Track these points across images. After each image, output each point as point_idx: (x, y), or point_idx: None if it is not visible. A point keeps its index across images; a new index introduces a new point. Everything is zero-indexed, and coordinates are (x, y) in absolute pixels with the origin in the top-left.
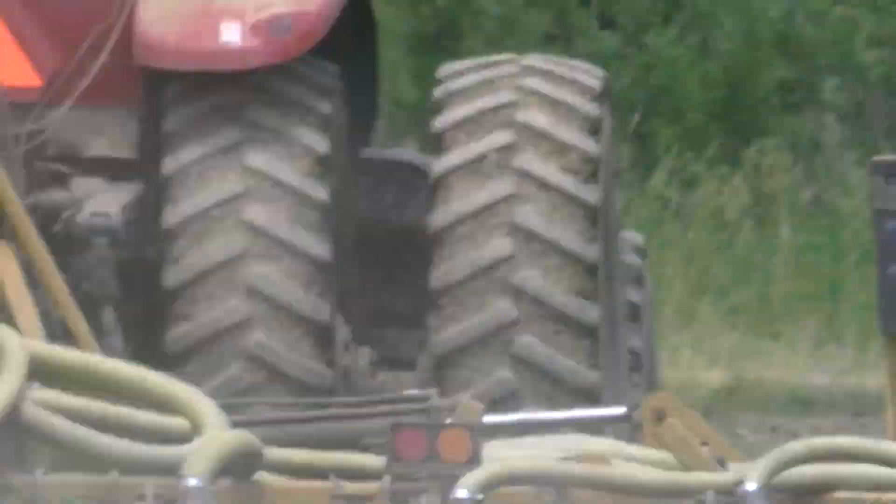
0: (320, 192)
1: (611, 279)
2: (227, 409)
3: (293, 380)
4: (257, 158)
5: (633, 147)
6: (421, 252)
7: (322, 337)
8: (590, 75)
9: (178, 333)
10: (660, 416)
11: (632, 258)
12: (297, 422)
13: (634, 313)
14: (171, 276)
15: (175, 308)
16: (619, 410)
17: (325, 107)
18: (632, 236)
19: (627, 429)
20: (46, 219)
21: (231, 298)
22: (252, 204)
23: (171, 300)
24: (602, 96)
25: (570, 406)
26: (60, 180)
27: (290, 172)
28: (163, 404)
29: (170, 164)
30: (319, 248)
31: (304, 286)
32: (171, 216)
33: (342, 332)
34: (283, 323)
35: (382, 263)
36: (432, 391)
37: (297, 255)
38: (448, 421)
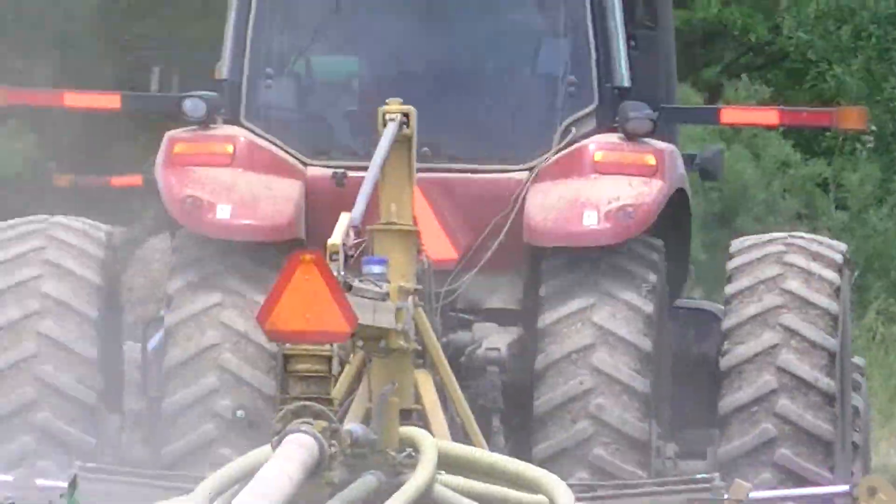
0: (647, 344)
1: (843, 398)
2: (576, 489)
3: (626, 440)
4: (603, 318)
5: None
6: (710, 377)
7: (643, 448)
8: (834, 250)
9: (541, 448)
10: (871, 492)
11: (857, 375)
12: (620, 496)
13: (856, 414)
14: (540, 405)
15: (539, 426)
16: (843, 488)
17: (652, 277)
18: (857, 359)
19: (849, 502)
20: (455, 353)
21: (580, 423)
22: (599, 353)
23: (538, 422)
24: (843, 265)
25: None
26: (465, 325)
27: (626, 329)
28: (530, 485)
29: (544, 320)
30: (643, 386)
31: (633, 412)
32: (542, 360)
33: (654, 435)
34: (617, 440)
35: (683, 383)
36: (715, 475)
37: (628, 390)
38: (726, 497)
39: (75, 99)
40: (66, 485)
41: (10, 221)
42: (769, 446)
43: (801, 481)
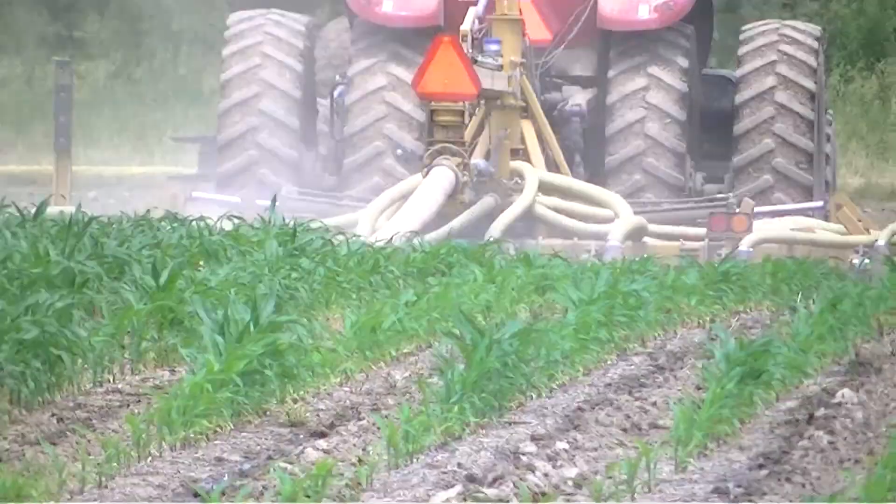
0: (681, 115)
1: (819, 126)
2: (634, 205)
3: (666, 185)
4: (651, 96)
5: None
6: (727, 123)
7: (681, 163)
8: (811, 36)
9: (609, 162)
10: (838, 207)
11: (828, 116)
12: (662, 210)
13: (828, 139)
14: (609, 162)
15: (609, 151)
16: (818, 204)
17: (683, 61)
18: (829, 113)
19: (823, 214)
20: (549, 108)
21: (636, 175)
22: (649, 123)
23: (610, 172)
24: (819, 47)
25: (797, 200)
26: (557, 87)
27: (668, 104)
28: (599, 202)
29: (611, 98)
30: (681, 148)
31: (673, 168)
32: (610, 128)
33: (689, 163)
34: (664, 154)
35: (708, 129)
36: (730, 194)
37: (669, 151)
38: (737, 210)
39: None
40: (271, 202)
41: (236, 16)
42: (768, 156)
43: (790, 182)
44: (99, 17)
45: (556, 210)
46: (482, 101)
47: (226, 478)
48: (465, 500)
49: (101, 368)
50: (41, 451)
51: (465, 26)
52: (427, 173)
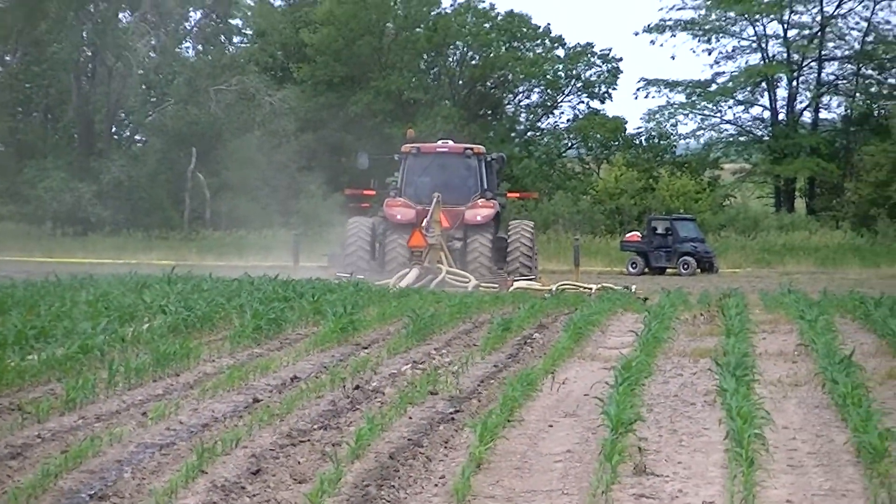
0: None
1: None
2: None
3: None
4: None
5: None
6: None
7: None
8: None
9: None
10: None
11: None
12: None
13: None
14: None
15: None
16: None
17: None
18: None
19: None
20: (448, 246)
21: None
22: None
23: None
24: None
25: None
26: (450, 239)
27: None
28: (460, 275)
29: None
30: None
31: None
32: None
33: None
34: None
35: None
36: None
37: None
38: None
39: None
40: None
41: None
42: None
43: None
44: None
45: (451, 275)
46: (429, 247)
47: None
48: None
49: None
50: None
51: (423, 224)
52: (411, 268)
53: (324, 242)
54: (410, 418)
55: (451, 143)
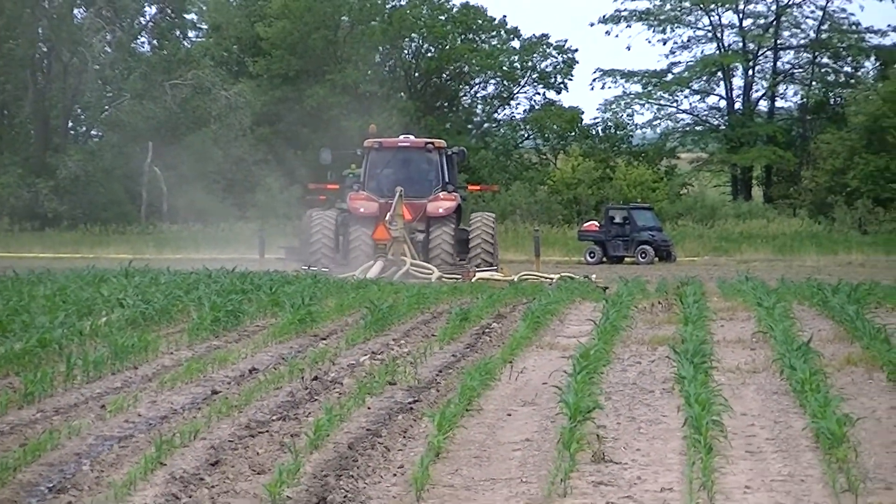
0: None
1: None
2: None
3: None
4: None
5: None
6: None
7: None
8: None
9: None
10: None
11: None
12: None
13: None
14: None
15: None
16: None
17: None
18: None
19: None
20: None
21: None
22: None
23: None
24: None
25: None
26: (412, 231)
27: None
28: (424, 267)
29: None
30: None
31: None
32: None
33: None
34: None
35: None
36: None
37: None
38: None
39: None
40: None
41: None
42: None
43: None
44: None
45: (415, 267)
46: (393, 240)
47: None
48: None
49: None
50: None
51: (387, 218)
52: (376, 261)
53: (281, 235)
54: (369, 408)
55: (412, 137)
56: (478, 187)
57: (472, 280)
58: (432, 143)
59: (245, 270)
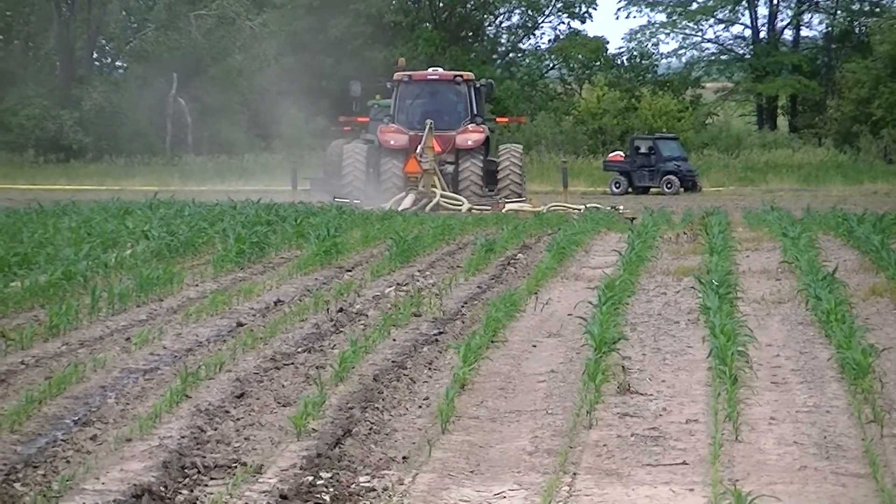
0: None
1: None
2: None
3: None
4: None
5: None
6: None
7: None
8: None
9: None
10: None
11: None
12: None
13: None
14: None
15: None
16: None
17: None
18: None
19: None
20: (442, 171)
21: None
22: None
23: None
24: None
25: None
26: (442, 164)
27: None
28: (454, 198)
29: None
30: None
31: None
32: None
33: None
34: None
35: None
36: None
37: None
38: None
39: None
40: None
41: None
42: None
43: None
44: None
45: (445, 199)
46: (424, 172)
47: None
48: None
49: None
50: None
51: (418, 150)
52: (407, 193)
53: (307, 167)
54: (394, 340)
55: (440, 70)
56: (506, 119)
57: (503, 211)
58: (461, 76)
59: (270, 202)
